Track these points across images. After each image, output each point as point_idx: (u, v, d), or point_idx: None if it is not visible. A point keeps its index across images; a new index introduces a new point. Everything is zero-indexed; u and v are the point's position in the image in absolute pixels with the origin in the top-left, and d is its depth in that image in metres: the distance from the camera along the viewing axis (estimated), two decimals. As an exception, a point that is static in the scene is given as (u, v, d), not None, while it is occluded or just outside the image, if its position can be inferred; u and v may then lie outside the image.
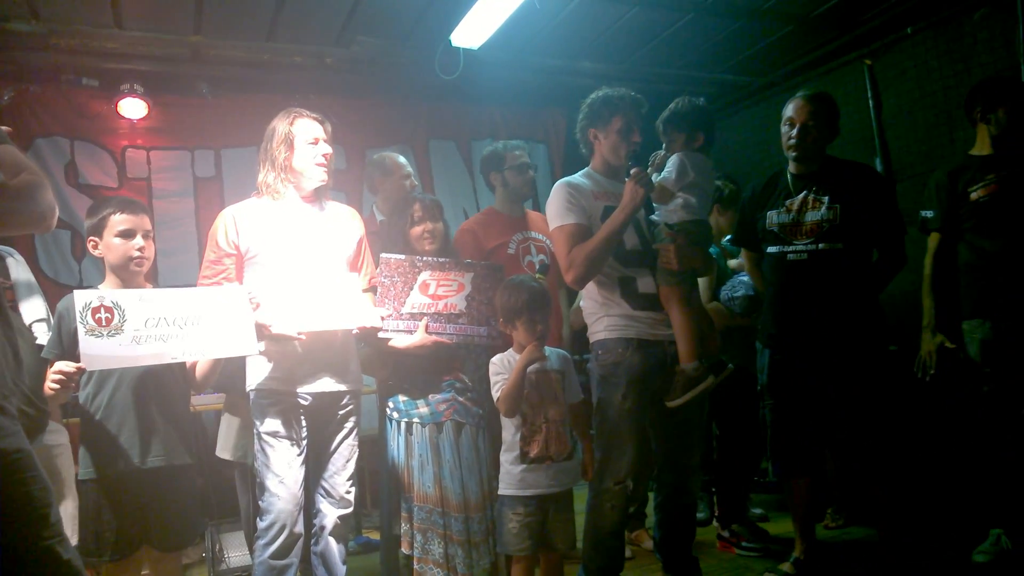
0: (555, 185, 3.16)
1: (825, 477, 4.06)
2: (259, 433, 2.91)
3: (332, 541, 3.02)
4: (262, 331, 2.76)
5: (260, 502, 2.91)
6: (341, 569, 3.05)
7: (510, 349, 2.99)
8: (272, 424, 2.89)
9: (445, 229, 3.38)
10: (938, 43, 4.74)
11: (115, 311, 2.48)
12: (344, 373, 3.03)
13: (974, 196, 3.53)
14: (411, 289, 3.10)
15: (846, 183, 3.36)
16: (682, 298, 3.02)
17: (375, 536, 4.63)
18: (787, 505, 3.73)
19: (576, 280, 3.02)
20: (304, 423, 2.96)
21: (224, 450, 3.66)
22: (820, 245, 3.34)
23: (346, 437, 3.06)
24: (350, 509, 3.09)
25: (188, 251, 5.39)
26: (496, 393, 2.89)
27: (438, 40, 4.93)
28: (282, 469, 2.87)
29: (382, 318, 3.04)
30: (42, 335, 3.00)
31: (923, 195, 3.74)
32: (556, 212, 3.08)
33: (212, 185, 5.65)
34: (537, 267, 3.73)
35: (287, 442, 2.90)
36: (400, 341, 3.10)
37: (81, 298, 2.45)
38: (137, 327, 2.50)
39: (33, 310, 3.10)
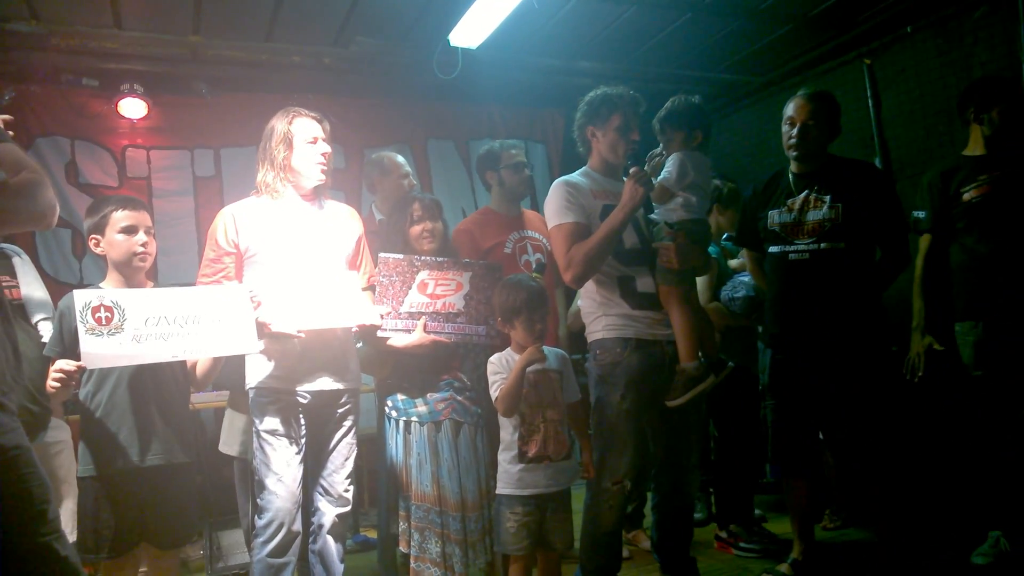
0: (553, 184, 3.16)
1: (824, 478, 4.07)
2: (258, 431, 2.92)
3: (330, 539, 3.03)
4: (262, 329, 2.76)
5: (258, 500, 2.91)
6: (339, 567, 3.05)
7: (508, 348, 2.99)
8: (271, 422, 2.90)
9: (444, 228, 3.39)
10: (938, 42, 4.73)
11: (115, 310, 2.48)
12: (343, 372, 3.03)
13: (966, 197, 3.53)
14: (410, 288, 3.10)
15: (848, 182, 3.34)
16: (682, 297, 3.02)
17: (373, 535, 4.63)
18: (784, 506, 3.73)
19: (575, 279, 3.02)
20: (303, 421, 2.96)
21: (227, 446, 3.66)
22: (822, 245, 3.33)
23: (345, 436, 3.07)
24: (348, 508, 3.09)
25: (188, 250, 5.41)
26: (494, 392, 2.89)
27: (436, 40, 4.93)
28: (281, 467, 2.88)
29: (381, 316, 3.05)
30: (47, 334, 3.01)
31: (916, 195, 3.73)
32: (555, 211, 3.07)
33: (212, 184, 5.67)
34: (534, 266, 3.73)
35: (286, 440, 2.90)
36: (399, 340, 3.10)
37: (81, 297, 2.46)
38: (137, 326, 2.50)
39: (39, 309, 3.10)
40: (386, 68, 5.31)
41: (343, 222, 3.18)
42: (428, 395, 3.21)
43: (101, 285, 2.85)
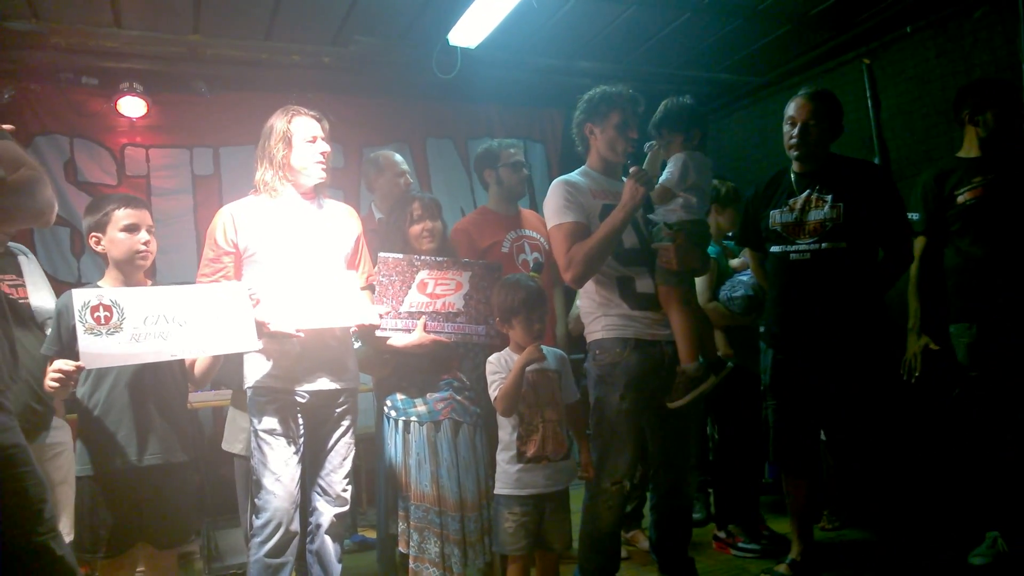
0: (553, 183, 3.15)
1: (822, 478, 4.07)
2: (256, 431, 2.91)
3: (328, 539, 3.02)
4: (260, 328, 2.75)
5: (256, 500, 2.91)
6: (336, 567, 3.05)
7: (507, 348, 2.99)
8: (269, 422, 2.89)
9: (443, 228, 3.39)
10: (937, 42, 4.73)
11: (114, 309, 2.48)
12: (341, 371, 3.03)
13: (960, 199, 3.53)
14: (409, 288, 3.10)
15: (850, 182, 3.33)
16: (681, 298, 3.01)
17: (371, 534, 4.63)
18: (781, 506, 3.73)
19: (575, 279, 3.02)
20: (301, 421, 2.96)
21: (229, 444, 3.65)
22: (823, 244, 3.32)
23: (343, 435, 3.06)
24: (346, 507, 3.09)
25: (187, 248, 5.41)
26: (493, 392, 2.89)
27: (435, 39, 4.93)
28: (279, 467, 2.87)
29: (381, 316, 3.05)
30: None
31: (910, 197, 3.73)
32: (554, 210, 3.07)
33: (210, 183, 5.66)
34: (531, 265, 3.73)
35: (284, 440, 2.90)
36: (398, 340, 3.10)
37: (80, 296, 2.45)
38: (136, 325, 2.50)
39: (45, 308, 3.11)
40: (385, 67, 5.31)
41: (342, 221, 3.17)
42: (428, 395, 3.20)
43: (99, 284, 2.85)
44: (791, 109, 3.43)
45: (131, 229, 2.81)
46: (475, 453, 3.21)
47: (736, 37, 5.31)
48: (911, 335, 3.68)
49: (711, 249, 3.64)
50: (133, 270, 2.85)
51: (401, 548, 3.10)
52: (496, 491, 2.94)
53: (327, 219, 3.11)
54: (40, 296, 3.15)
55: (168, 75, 5.24)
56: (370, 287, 3.16)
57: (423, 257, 3.16)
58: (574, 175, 3.18)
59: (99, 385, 2.76)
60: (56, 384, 2.45)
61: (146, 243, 2.84)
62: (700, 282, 3.76)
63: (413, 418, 3.16)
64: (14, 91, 5.00)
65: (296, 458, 2.93)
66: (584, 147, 3.24)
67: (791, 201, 3.42)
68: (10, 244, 3.20)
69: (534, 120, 6.72)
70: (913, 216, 3.65)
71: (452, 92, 5.91)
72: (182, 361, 2.89)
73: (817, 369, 3.37)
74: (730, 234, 4.37)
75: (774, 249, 3.50)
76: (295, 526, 2.91)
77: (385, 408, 3.24)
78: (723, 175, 4.48)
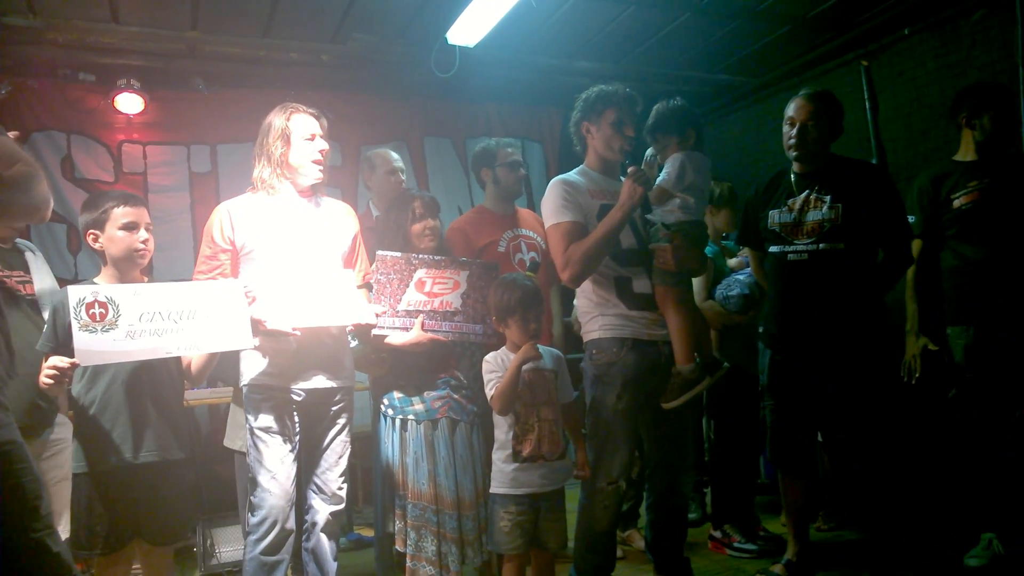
0: (551, 182, 3.15)
1: (820, 479, 4.07)
2: (252, 428, 2.91)
3: (323, 537, 3.02)
4: (257, 327, 2.75)
5: (252, 498, 2.90)
6: (332, 566, 3.04)
7: (503, 347, 2.99)
8: (265, 420, 2.89)
9: (440, 227, 3.39)
10: (935, 44, 4.73)
11: (109, 306, 2.47)
12: (337, 370, 3.03)
13: (957, 203, 3.54)
14: (407, 286, 3.10)
15: (849, 183, 3.32)
16: (678, 299, 3.02)
17: (367, 533, 4.63)
18: (776, 507, 3.73)
19: (572, 279, 3.02)
20: (297, 419, 2.96)
21: (231, 440, 3.65)
22: (821, 245, 3.31)
23: (339, 434, 3.06)
24: (342, 506, 3.09)
25: (184, 246, 5.40)
26: (490, 391, 2.90)
27: (434, 38, 4.92)
28: (274, 465, 2.87)
29: (377, 315, 3.04)
30: None
31: (906, 200, 3.73)
32: (552, 210, 3.07)
33: (208, 180, 5.65)
34: (528, 264, 3.73)
35: (280, 438, 2.90)
36: (396, 338, 3.10)
37: (75, 293, 2.44)
38: (131, 322, 2.49)
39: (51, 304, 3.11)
40: (383, 65, 5.31)
41: (340, 219, 3.17)
42: (425, 393, 3.20)
43: (95, 281, 2.84)
44: (791, 109, 3.43)
45: (130, 227, 2.80)
46: (472, 451, 3.21)
47: (735, 38, 5.31)
48: (909, 337, 3.69)
49: (708, 249, 3.64)
50: (130, 268, 2.84)
51: (398, 547, 3.10)
52: (492, 490, 2.95)
53: (324, 217, 3.11)
54: (48, 293, 3.15)
55: (166, 72, 5.24)
56: (367, 285, 3.16)
57: (421, 256, 3.15)
58: (572, 174, 3.18)
59: (95, 382, 2.76)
60: (51, 381, 2.46)
61: (144, 241, 2.84)
62: (697, 282, 3.76)
63: (410, 416, 3.16)
64: (11, 87, 4.99)
65: (292, 456, 2.92)
66: (582, 147, 3.24)
67: (790, 201, 3.42)
68: (17, 241, 3.20)
69: (532, 119, 6.72)
70: (909, 219, 3.66)
71: (450, 91, 5.90)
72: (178, 358, 2.88)
73: (815, 369, 3.37)
74: (725, 235, 4.37)
75: (772, 249, 3.49)
76: (291, 524, 2.90)
77: (382, 406, 3.24)
78: (721, 176, 4.48)
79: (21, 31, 4.45)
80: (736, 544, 4.07)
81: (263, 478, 2.87)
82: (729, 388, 3.75)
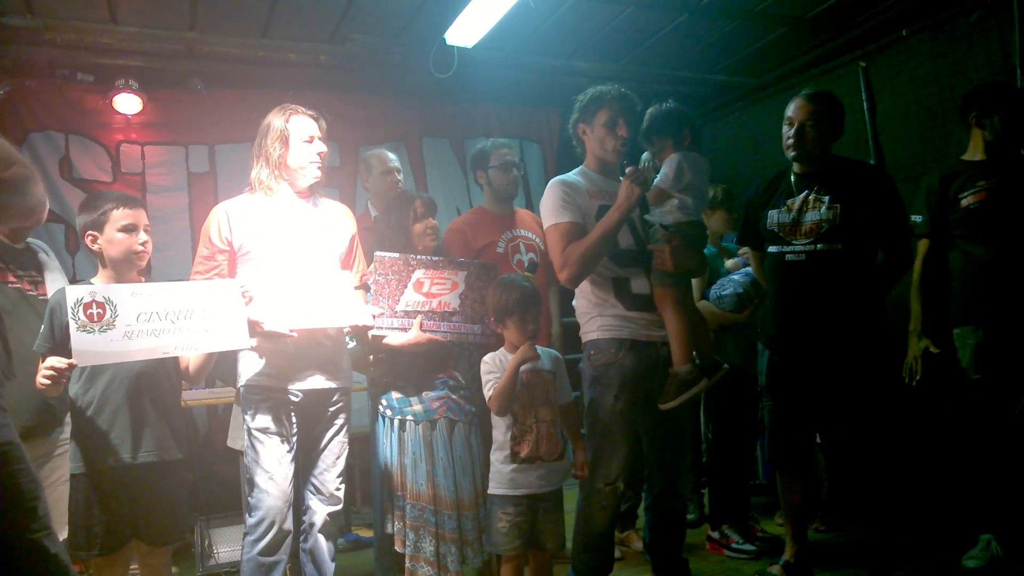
0: (549, 183, 3.16)
1: (817, 480, 4.07)
2: (249, 429, 2.91)
3: (321, 538, 3.02)
4: (254, 328, 2.75)
5: (249, 498, 2.91)
6: (330, 566, 3.04)
7: (502, 348, 2.99)
8: (262, 420, 2.89)
9: (438, 227, 3.40)
10: (933, 46, 4.74)
11: (107, 306, 2.47)
12: (335, 370, 3.03)
13: (965, 203, 3.52)
14: (405, 287, 3.10)
15: (849, 183, 3.32)
16: (676, 300, 3.01)
17: (364, 533, 4.63)
18: (773, 507, 3.73)
19: (570, 279, 3.02)
20: (294, 419, 2.96)
21: (234, 441, 3.65)
22: (818, 246, 3.31)
23: (336, 434, 3.06)
24: (339, 506, 3.09)
25: (182, 246, 5.39)
26: (488, 392, 2.90)
27: (432, 38, 4.92)
28: (272, 465, 2.87)
29: (374, 316, 3.04)
30: None
31: (914, 199, 3.73)
32: (550, 210, 3.07)
33: (206, 180, 5.65)
34: (526, 265, 3.73)
35: (277, 438, 2.90)
36: (395, 338, 3.10)
37: (72, 294, 2.44)
38: (129, 322, 2.49)
39: None
40: (382, 66, 5.30)
41: (337, 220, 3.17)
42: (423, 394, 3.20)
43: (92, 281, 2.84)
44: (790, 110, 3.42)
45: (129, 230, 2.79)
46: (471, 452, 3.21)
47: (733, 39, 5.32)
48: (912, 337, 3.67)
49: (705, 250, 3.64)
50: (128, 269, 2.84)
51: (397, 547, 3.10)
52: (490, 491, 2.95)
53: (322, 218, 3.11)
54: None
55: (164, 72, 5.23)
56: (364, 286, 3.16)
57: (419, 256, 3.15)
58: (571, 175, 3.18)
59: (93, 383, 2.75)
60: (47, 381, 2.45)
61: (143, 243, 2.83)
62: (692, 283, 3.76)
63: (409, 417, 3.16)
64: (9, 87, 4.98)
65: (289, 456, 2.92)
66: (581, 148, 3.25)
67: (789, 201, 3.42)
68: (30, 241, 3.20)
69: (531, 120, 6.72)
70: (916, 219, 3.65)
71: (449, 91, 5.90)
72: (176, 358, 2.88)
73: (813, 370, 3.37)
74: (721, 236, 4.37)
75: (771, 249, 3.49)
76: (288, 525, 2.90)
77: (380, 407, 3.24)
78: (720, 176, 4.49)
79: (19, 31, 4.45)
80: (734, 545, 4.07)
81: (260, 479, 2.87)
82: (727, 389, 3.74)
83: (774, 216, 3.46)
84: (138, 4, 4.42)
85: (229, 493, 3.74)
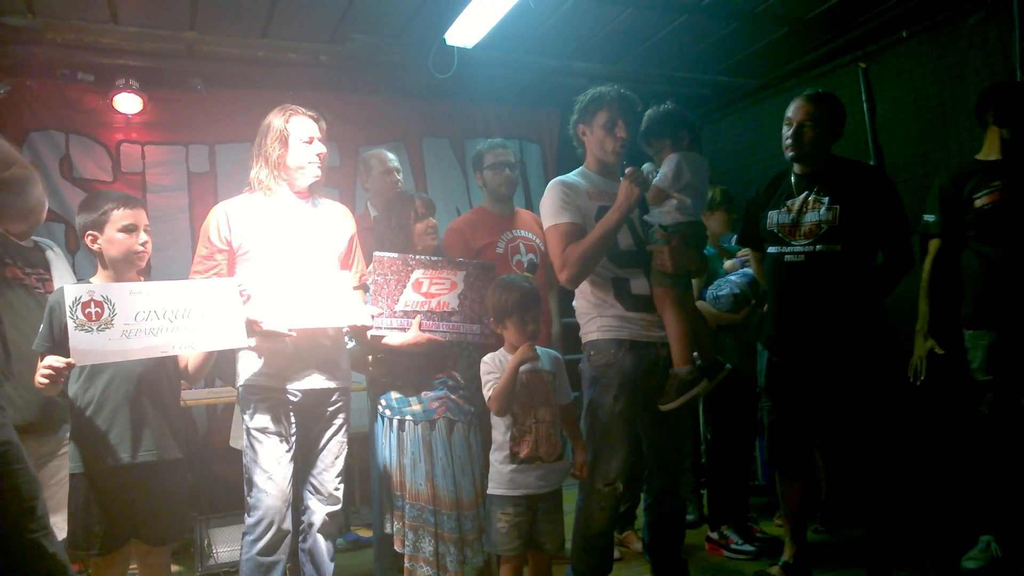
0: (549, 184, 3.16)
1: (816, 480, 4.07)
2: (248, 429, 2.91)
3: (320, 538, 3.03)
4: (253, 327, 2.75)
5: (248, 498, 2.90)
6: (329, 566, 3.05)
7: (501, 348, 2.99)
8: (261, 420, 2.89)
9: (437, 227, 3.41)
10: (933, 47, 4.74)
11: (105, 305, 2.47)
12: (334, 370, 3.03)
13: (979, 203, 3.51)
14: (404, 287, 3.10)
15: (849, 184, 3.31)
16: (676, 300, 3.01)
17: (363, 533, 4.63)
18: (773, 508, 3.72)
19: (570, 279, 3.02)
20: (293, 419, 2.96)
21: (236, 440, 3.65)
22: (817, 247, 3.30)
23: (335, 434, 3.06)
24: (338, 506, 3.09)
25: (182, 245, 5.38)
26: (487, 392, 2.89)
27: (432, 38, 4.92)
28: (271, 465, 2.87)
29: (373, 316, 3.04)
30: None
31: (926, 199, 3.70)
32: (550, 211, 3.07)
33: (206, 180, 5.64)
34: (525, 265, 3.73)
35: (276, 438, 2.90)
36: (394, 338, 3.10)
37: (71, 293, 2.44)
38: (127, 321, 2.50)
39: None
40: (382, 66, 5.30)
41: (336, 221, 3.17)
42: (422, 394, 3.20)
43: (92, 281, 2.84)
44: (790, 110, 3.42)
45: (129, 230, 2.79)
46: (470, 452, 3.21)
47: (733, 40, 5.32)
48: (918, 337, 3.67)
49: (706, 251, 3.64)
50: (128, 269, 2.84)
51: (396, 547, 3.10)
52: (489, 491, 2.95)
53: (321, 218, 3.11)
54: None
55: (164, 72, 5.23)
56: (363, 286, 3.16)
57: (418, 257, 3.16)
58: (571, 176, 3.19)
59: (92, 382, 2.75)
60: (46, 380, 2.44)
61: (143, 244, 2.83)
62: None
63: (408, 417, 3.16)
64: (10, 87, 4.98)
65: (288, 456, 2.92)
66: (582, 148, 3.25)
67: (789, 202, 3.41)
68: (38, 239, 3.20)
69: (531, 120, 6.71)
70: (929, 218, 3.64)
71: (449, 92, 5.90)
72: (175, 357, 2.88)
73: (812, 371, 3.37)
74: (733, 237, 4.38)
75: (771, 250, 3.49)
76: (287, 524, 2.90)
77: (379, 407, 3.24)
78: (720, 177, 4.49)
79: (20, 31, 4.44)
80: (733, 545, 4.07)
81: (259, 478, 2.87)
82: (726, 389, 3.74)
83: (774, 217, 3.45)
84: (138, 4, 4.42)
85: (228, 493, 3.73)
